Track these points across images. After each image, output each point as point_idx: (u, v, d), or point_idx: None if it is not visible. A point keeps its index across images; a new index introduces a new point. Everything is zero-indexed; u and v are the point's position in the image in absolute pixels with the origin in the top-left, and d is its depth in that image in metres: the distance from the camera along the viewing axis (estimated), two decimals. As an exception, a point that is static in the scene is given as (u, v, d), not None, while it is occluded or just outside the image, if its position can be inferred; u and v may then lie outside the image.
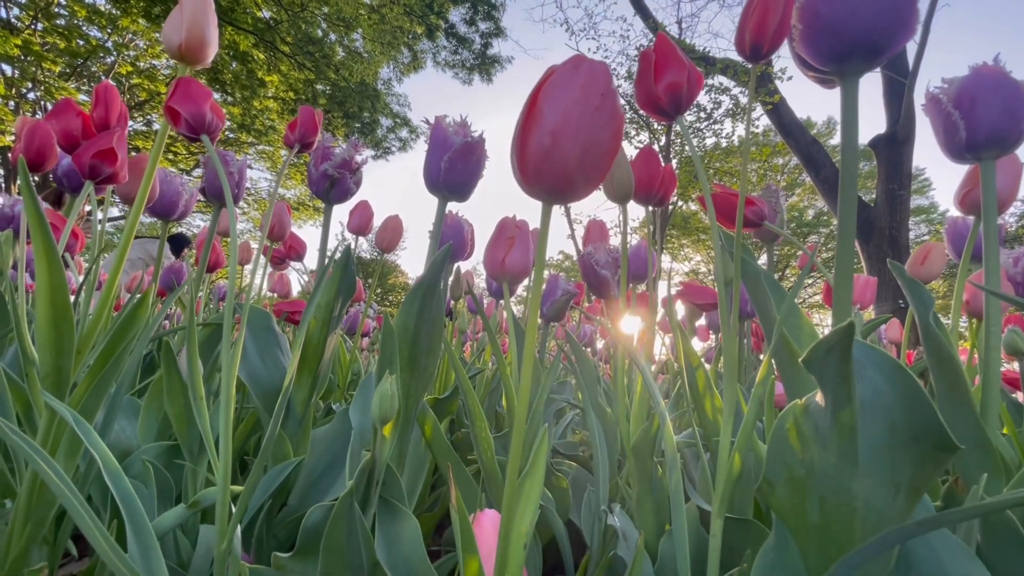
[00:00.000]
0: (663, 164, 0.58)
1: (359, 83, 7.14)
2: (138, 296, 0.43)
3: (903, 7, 0.30)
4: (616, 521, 0.46)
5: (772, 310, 0.36)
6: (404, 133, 7.91)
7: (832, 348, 0.22)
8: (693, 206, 10.96)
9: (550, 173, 0.22)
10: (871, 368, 0.23)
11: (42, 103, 8.15)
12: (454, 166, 0.47)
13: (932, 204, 12.11)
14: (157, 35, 7.75)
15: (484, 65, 7.01)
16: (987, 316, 0.41)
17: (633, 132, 7.21)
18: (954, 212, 0.61)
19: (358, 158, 0.58)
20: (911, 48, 4.95)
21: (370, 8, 6.69)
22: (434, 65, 7.21)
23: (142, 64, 8.53)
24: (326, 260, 0.56)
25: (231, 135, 9.62)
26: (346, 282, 0.53)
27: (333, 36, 7.23)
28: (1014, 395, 0.77)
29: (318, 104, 7.42)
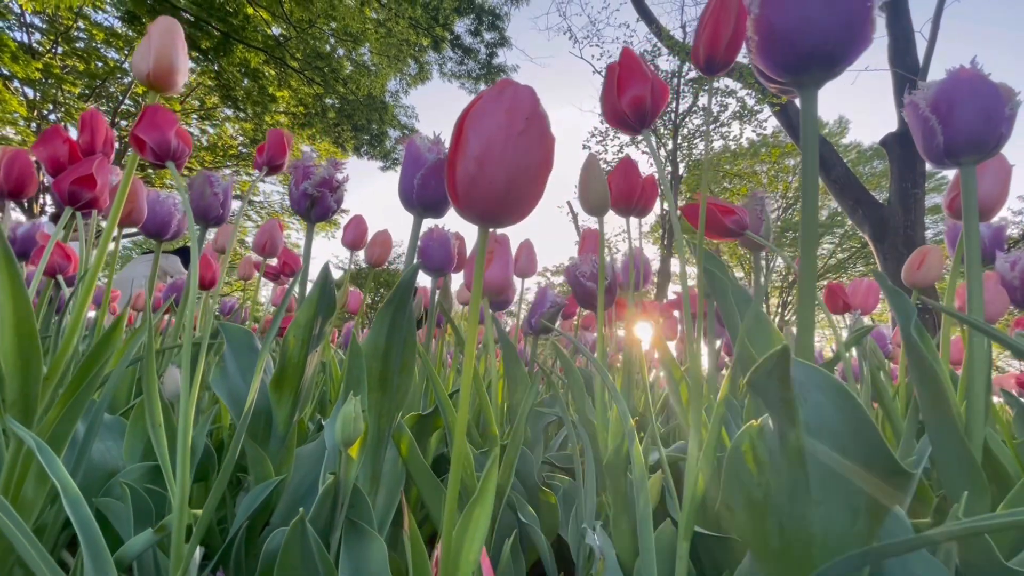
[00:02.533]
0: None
1: (367, 96, 7.24)
2: (138, 316, 0.43)
3: (856, 18, 0.29)
4: (596, 540, 0.45)
5: (739, 324, 0.36)
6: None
7: (771, 372, 0.21)
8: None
9: (478, 199, 0.22)
10: (815, 391, 0.22)
11: (63, 124, 8.40)
12: (427, 183, 0.47)
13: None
14: (171, 55, 7.96)
15: (490, 74, 7.06)
16: (971, 324, 0.40)
17: (639, 136, 7.17)
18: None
19: (338, 176, 0.58)
20: (921, 44, 4.89)
21: (376, 22, 6.79)
22: (440, 76, 7.29)
23: (158, 83, 8.76)
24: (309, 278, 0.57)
25: (244, 150, 9.82)
26: (325, 301, 0.54)
27: (341, 51, 7.35)
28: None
29: (327, 117, 7.53)
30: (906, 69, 4.73)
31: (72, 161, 0.54)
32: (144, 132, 0.35)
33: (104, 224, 0.61)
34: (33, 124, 7.99)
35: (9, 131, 7.58)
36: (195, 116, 9.48)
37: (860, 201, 4.99)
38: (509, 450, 0.54)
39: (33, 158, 0.54)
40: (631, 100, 0.38)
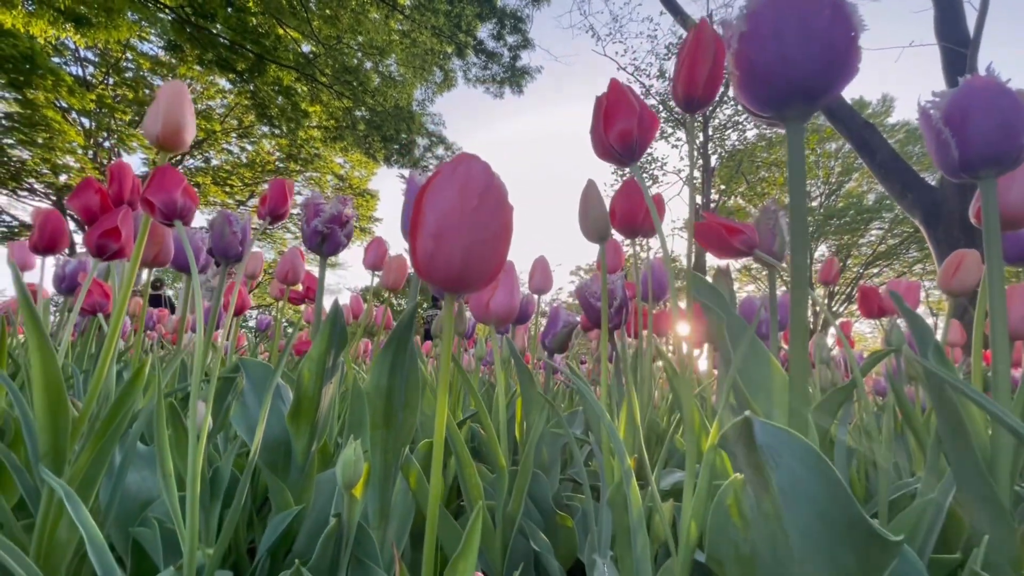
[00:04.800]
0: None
1: (395, 106, 7.39)
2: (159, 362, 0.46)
3: (837, 52, 0.28)
4: (604, 571, 0.45)
5: (731, 360, 0.35)
6: (440, 151, 8.09)
7: (737, 438, 0.21)
8: (740, 200, 10.53)
9: (437, 272, 0.22)
10: (788, 456, 0.22)
11: (116, 150, 8.96)
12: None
13: (1012, 179, 11.02)
14: (211, 78, 8.36)
15: (514, 77, 7.07)
16: (995, 350, 0.37)
17: (669, 130, 7.04)
18: None
19: (347, 212, 0.60)
20: (971, 16, 4.58)
21: (401, 34, 6.92)
22: (465, 82, 7.35)
23: (199, 106, 9.24)
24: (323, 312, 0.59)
25: (280, 165, 10.21)
26: (337, 335, 0.55)
27: (368, 64, 7.53)
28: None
29: (357, 129, 7.72)
30: (955, 42, 4.44)
31: (104, 210, 0.57)
32: (152, 194, 0.37)
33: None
34: (90, 152, 8.56)
35: (69, 159, 8.14)
36: (234, 135, 9.93)
37: (909, 185, 4.72)
38: (519, 478, 0.54)
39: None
40: (618, 134, 0.38)
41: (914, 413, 0.51)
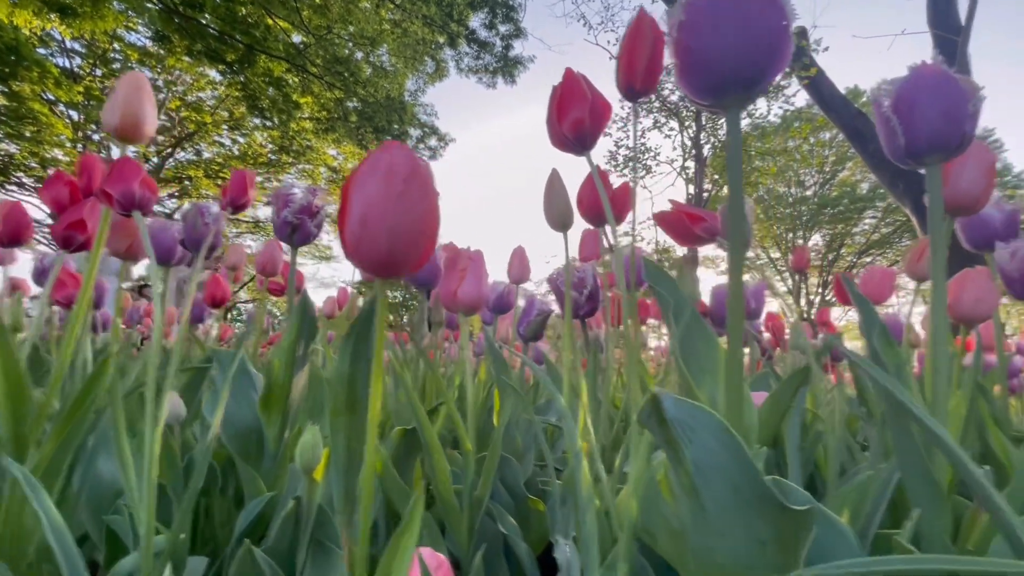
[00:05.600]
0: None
1: (386, 97, 7.33)
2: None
3: (772, 39, 0.29)
4: (565, 551, 0.46)
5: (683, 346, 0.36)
6: (433, 142, 8.06)
7: (648, 415, 0.22)
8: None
9: (365, 257, 0.23)
10: (702, 430, 0.22)
11: (105, 144, 8.87)
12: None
13: (1005, 167, 11.07)
14: (201, 69, 8.26)
15: (507, 67, 7.02)
16: (933, 334, 0.38)
17: (663, 120, 7.03)
18: None
19: (317, 203, 0.60)
20: (962, 2, 4.57)
21: (392, 23, 6.85)
22: (457, 72, 7.30)
23: (189, 98, 9.13)
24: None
25: (273, 157, 10.12)
26: (306, 325, 0.56)
27: (359, 54, 7.46)
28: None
29: (349, 121, 7.67)
30: (947, 30, 4.44)
31: (73, 203, 0.58)
32: (110, 185, 0.38)
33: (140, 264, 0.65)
34: (79, 145, 8.46)
35: (57, 152, 8.04)
36: (225, 127, 9.83)
37: (899, 174, 4.74)
38: (487, 461, 0.56)
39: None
40: (571, 123, 0.38)
41: (872, 396, 0.52)
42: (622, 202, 0.58)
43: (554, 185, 0.51)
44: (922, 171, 0.41)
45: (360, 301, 1.34)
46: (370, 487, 0.29)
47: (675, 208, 0.55)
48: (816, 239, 12.45)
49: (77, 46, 8.00)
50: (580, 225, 0.66)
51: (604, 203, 0.38)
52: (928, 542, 0.36)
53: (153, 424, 0.35)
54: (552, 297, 0.86)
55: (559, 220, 0.51)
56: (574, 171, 0.55)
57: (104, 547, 0.54)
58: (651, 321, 1.23)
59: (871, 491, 0.38)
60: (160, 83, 8.49)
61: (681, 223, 0.54)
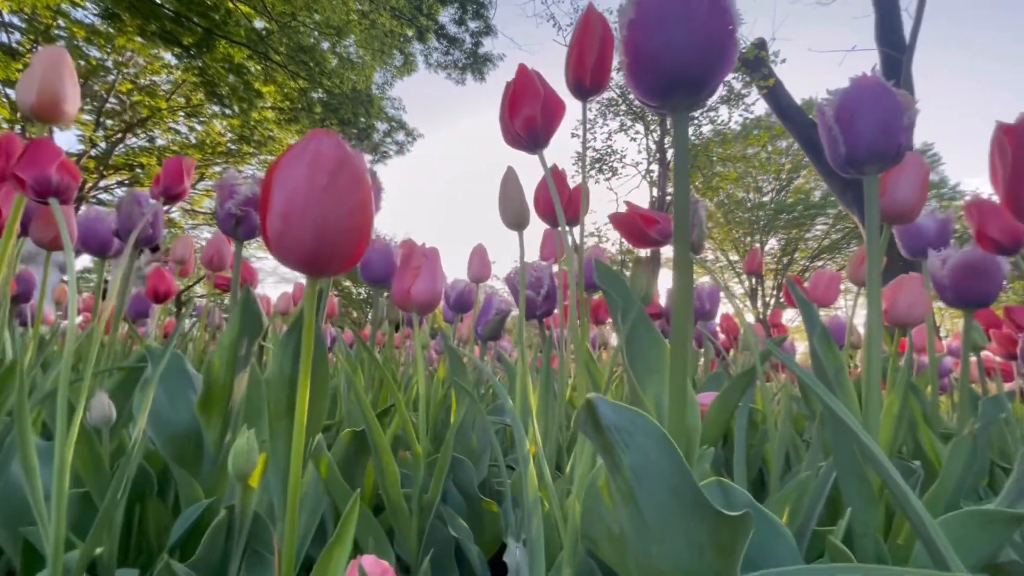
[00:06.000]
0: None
1: (353, 89, 7.17)
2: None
3: (717, 42, 0.29)
4: (515, 554, 0.46)
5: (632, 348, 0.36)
6: (400, 136, 7.93)
7: (585, 420, 0.21)
8: (695, 193, 10.84)
9: (289, 253, 0.22)
10: (640, 435, 0.22)
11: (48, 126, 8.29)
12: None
13: (942, 179, 11.81)
14: (155, 52, 7.84)
15: (476, 64, 6.98)
16: (869, 340, 0.40)
17: (629, 123, 7.15)
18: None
19: (264, 194, 0.58)
20: (907, 22, 4.84)
21: (360, 14, 6.70)
22: (426, 67, 7.21)
23: (143, 81, 8.65)
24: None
25: (233, 147, 9.71)
26: (249, 321, 0.53)
27: (325, 44, 7.26)
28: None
29: (313, 112, 7.46)
30: (893, 48, 4.69)
31: (-10, 186, 0.53)
32: (23, 170, 0.34)
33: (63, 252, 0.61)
34: (17, 127, 7.89)
35: (-8, 135, 7.48)
36: (182, 114, 9.36)
37: (849, 183, 4.97)
38: (439, 463, 0.54)
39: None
40: (523, 120, 0.37)
41: (812, 395, 0.54)
42: (578, 202, 0.57)
43: (509, 184, 0.50)
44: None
45: (317, 298, 1.30)
46: (296, 494, 0.27)
47: (630, 210, 0.56)
48: (772, 243, 12.97)
49: (16, 20, 7.46)
50: (541, 224, 0.65)
51: (555, 203, 0.38)
52: (861, 540, 0.37)
53: (65, 428, 0.32)
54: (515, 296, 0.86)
55: (514, 219, 0.50)
56: (536, 171, 0.55)
57: (20, 560, 0.50)
58: (611, 321, 1.24)
59: (810, 490, 0.39)
60: (110, 64, 8.02)
61: (635, 225, 0.54)
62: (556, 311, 0.66)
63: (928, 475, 0.59)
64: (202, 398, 0.53)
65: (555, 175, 0.57)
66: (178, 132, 9.63)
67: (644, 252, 0.64)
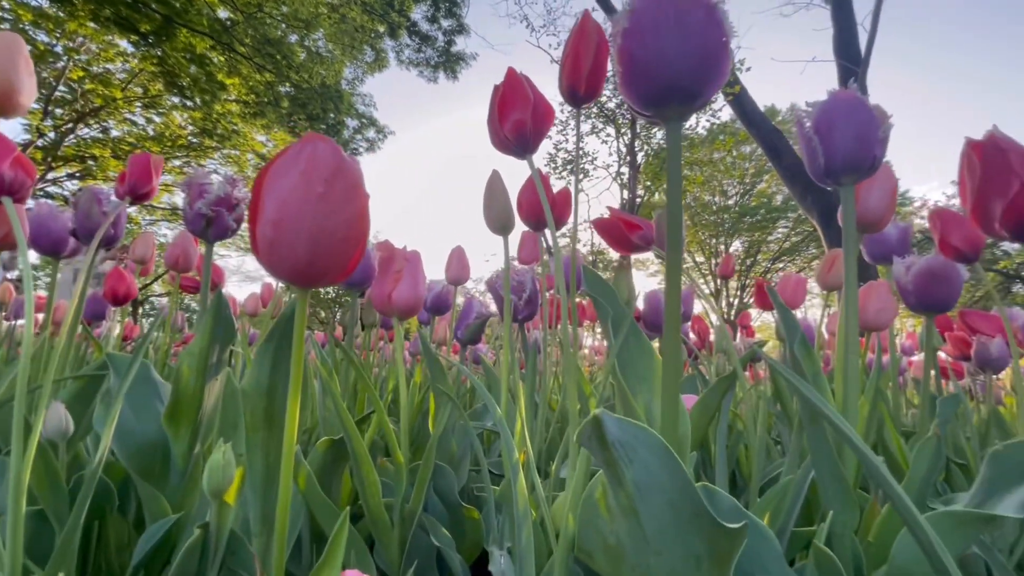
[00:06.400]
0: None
1: (322, 84, 7.01)
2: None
3: (711, 52, 0.29)
4: (500, 563, 0.45)
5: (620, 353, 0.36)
6: (371, 133, 7.79)
7: (589, 436, 0.21)
8: (663, 196, 11.07)
9: (280, 264, 0.21)
10: (642, 449, 0.22)
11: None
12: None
13: (895, 187, 12.38)
14: (110, 39, 7.45)
15: (449, 63, 6.93)
16: (845, 344, 0.41)
17: (600, 125, 7.23)
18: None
19: (237, 194, 0.55)
20: (863, 35, 5.07)
21: (330, 7, 6.55)
22: (398, 64, 7.11)
23: (96, 68, 8.20)
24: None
25: (194, 140, 9.31)
26: (221, 328, 0.51)
27: (293, 37, 7.06)
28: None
29: (280, 106, 7.25)
30: (849, 60, 4.90)
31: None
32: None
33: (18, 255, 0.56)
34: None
35: (-75, 122, 6.97)
36: (139, 104, 8.92)
37: (809, 188, 5.18)
38: (421, 471, 0.53)
39: None
40: (513, 125, 0.37)
41: (788, 399, 0.55)
42: (563, 206, 0.57)
43: (494, 187, 0.50)
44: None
45: (287, 299, 1.26)
46: (285, 512, 0.26)
47: (613, 215, 0.56)
48: (736, 245, 13.37)
49: (-47, 1, 6.96)
50: (519, 227, 0.65)
51: (545, 207, 0.37)
52: (838, 539, 0.38)
53: (22, 446, 0.30)
54: (489, 298, 0.85)
55: (499, 223, 0.49)
56: (513, 173, 0.55)
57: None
58: (586, 322, 1.25)
59: (790, 493, 0.40)
60: (59, 49, 7.58)
61: (618, 230, 0.55)
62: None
63: (892, 471, 0.62)
64: (170, 408, 0.50)
65: (542, 179, 0.57)
66: (135, 123, 9.16)
67: (620, 256, 0.64)
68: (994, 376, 0.85)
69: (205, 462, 0.64)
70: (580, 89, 0.33)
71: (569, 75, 0.32)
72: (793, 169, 5.30)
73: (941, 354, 1.16)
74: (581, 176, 8.85)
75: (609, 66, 0.32)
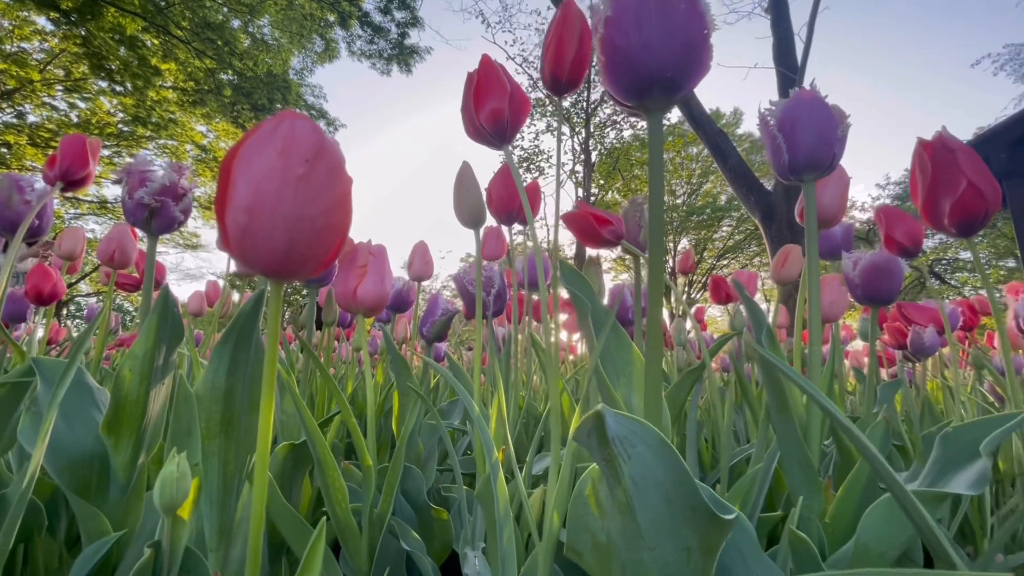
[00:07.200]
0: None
1: (268, 73, 6.69)
2: None
3: (693, 44, 0.29)
4: (475, 563, 0.44)
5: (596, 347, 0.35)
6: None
7: (590, 432, 0.20)
8: (616, 195, 11.35)
9: (254, 254, 0.19)
10: (640, 444, 0.22)
11: None
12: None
13: (828, 188, 13.24)
14: (25, 15, 6.80)
15: (402, 55, 6.78)
16: (810, 331, 0.42)
17: (555, 124, 7.31)
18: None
19: (183, 183, 0.51)
20: (799, 45, 5.37)
21: (275, -8, 6.26)
22: (349, 55, 6.89)
23: (8, 47, 7.45)
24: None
25: (125, 128, 8.64)
26: (168, 328, 0.47)
27: (236, 22, 6.70)
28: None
29: (222, 95, 6.87)
30: (788, 68, 5.18)
31: None
32: None
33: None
34: None
35: None
36: (60, 88, 8.18)
37: (752, 188, 5.43)
38: (389, 474, 0.51)
39: None
40: (489, 113, 0.36)
41: (750, 388, 0.57)
42: (534, 200, 0.57)
43: (465, 180, 0.48)
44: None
45: (236, 297, 1.19)
46: (259, 527, 0.24)
47: (582, 210, 0.56)
48: (684, 243, 13.88)
49: None
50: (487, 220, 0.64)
51: (523, 200, 0.36)
52: (805, 522, 0.40)
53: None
54: (450, 294, 0.83)
55: (471, 216, 0.48)
56: (478, 168, 0.53)
57: None
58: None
59: (757, 481, 0.42)
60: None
61: (588, 224, 0.54)
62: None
63: (844, 455, 0.65)
64: (109, 416, 0.46)
65: (507, 172, 0.56)
66: (55, 108, 8.39)
67: (577, 250, 0.64)
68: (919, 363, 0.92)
69: (150, 473, 0.59)
70: (563, 76, 0.32)
71: (552, 62, 0.32)
72: (736, 170, 5.55)
73: (878, 343, 1.25)
74: (536, 174, 8.92)
75: (592, 55, 0.31)
